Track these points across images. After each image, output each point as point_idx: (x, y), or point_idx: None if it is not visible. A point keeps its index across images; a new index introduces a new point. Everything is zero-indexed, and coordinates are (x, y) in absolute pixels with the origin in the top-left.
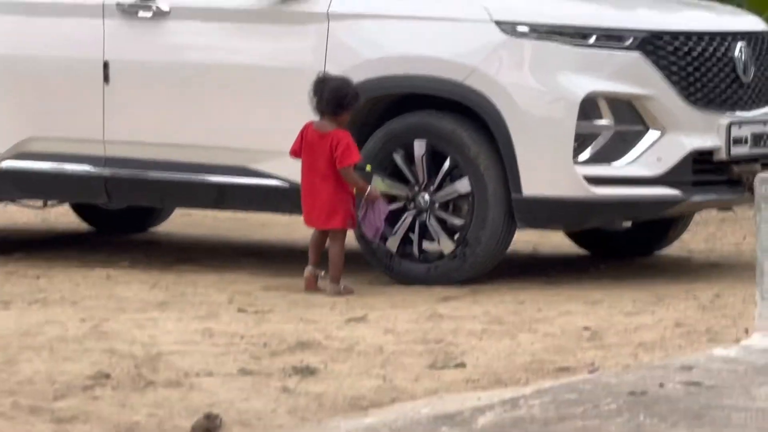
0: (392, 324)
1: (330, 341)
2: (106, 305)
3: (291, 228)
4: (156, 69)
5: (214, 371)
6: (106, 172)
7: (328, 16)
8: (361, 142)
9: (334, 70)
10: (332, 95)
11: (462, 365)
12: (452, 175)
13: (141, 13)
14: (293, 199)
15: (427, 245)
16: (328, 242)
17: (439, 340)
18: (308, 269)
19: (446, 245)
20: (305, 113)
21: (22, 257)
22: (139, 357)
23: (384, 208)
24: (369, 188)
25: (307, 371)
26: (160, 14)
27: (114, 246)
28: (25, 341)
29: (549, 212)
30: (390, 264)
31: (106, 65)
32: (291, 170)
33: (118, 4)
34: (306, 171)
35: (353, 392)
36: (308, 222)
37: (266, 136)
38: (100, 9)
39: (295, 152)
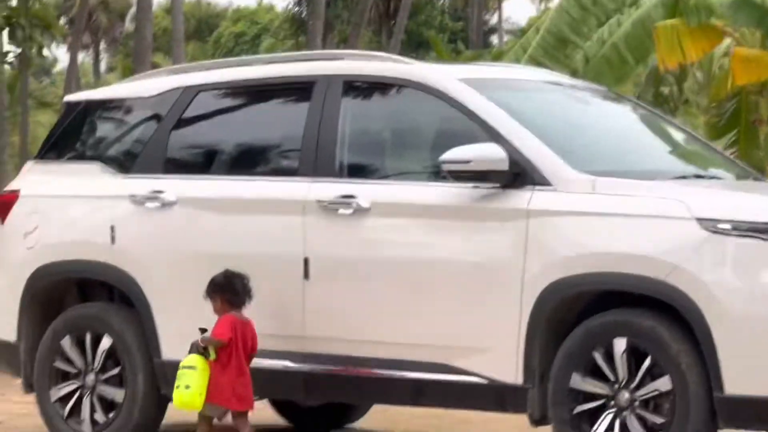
0: None
1: None
2: None
3: (489, 425)
4: (355, 265)
5: None
6: (305, 368)
7: (528, 213)
8: (560, 339)
9: (533, 266)
10: (247, 288)
11: None
12: (653, 373)
13: (341, 210)
14: (492, 396)
15: None
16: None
17: None
18: None
19: None
20: (505, 309)
21: None
22: None
23: None
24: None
25: None
26: (360, 211)
27: None
28: None
29: (753, 412)
30: None
31: (306, 261)
32: (490, 367)
33: (318, 201)
34: (239, 356)
35: None
36: (247, 405)
37: (465, 332)
38: (301, 206)
39: (232, 340)
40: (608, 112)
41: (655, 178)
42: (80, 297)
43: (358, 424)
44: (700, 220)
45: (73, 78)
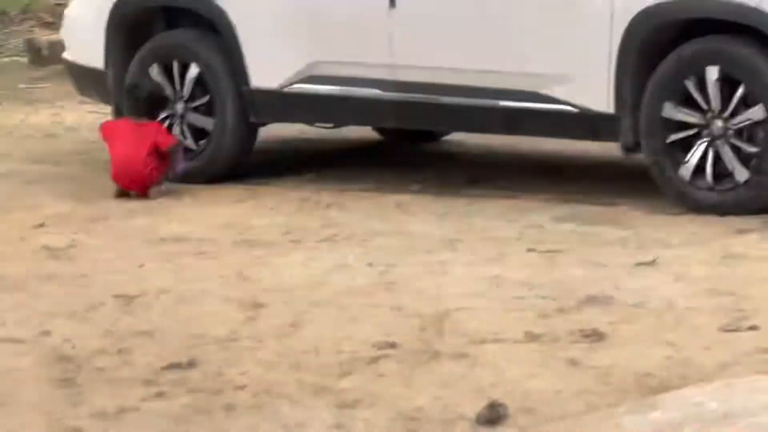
0: (684, 269)
1: (619, 294)
2: (396, 245)
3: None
4: None
5: (500, 336)
6: (395, 96)
7: None
8: (652, 68)
9: None
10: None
11: (755, 328)
12: (746, 102)
13: None
14: (584, 125)
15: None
16: None
17: (731, 292)
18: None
19: (740, 174)
20: (594, 36)
21: (314, 179)
22: (426, 316)
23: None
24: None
25: (594, 336)
26: None
27: (406, 165)
28: (312, 296)
29: None
30: (683, 192)
31: None
32: (581, 95)
33: None
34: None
35: (641, 367)
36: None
37: (554, 60)
38: None
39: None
40: None
41: None
42: (167, 25)
43: (454, 135)
44: None
45: None
